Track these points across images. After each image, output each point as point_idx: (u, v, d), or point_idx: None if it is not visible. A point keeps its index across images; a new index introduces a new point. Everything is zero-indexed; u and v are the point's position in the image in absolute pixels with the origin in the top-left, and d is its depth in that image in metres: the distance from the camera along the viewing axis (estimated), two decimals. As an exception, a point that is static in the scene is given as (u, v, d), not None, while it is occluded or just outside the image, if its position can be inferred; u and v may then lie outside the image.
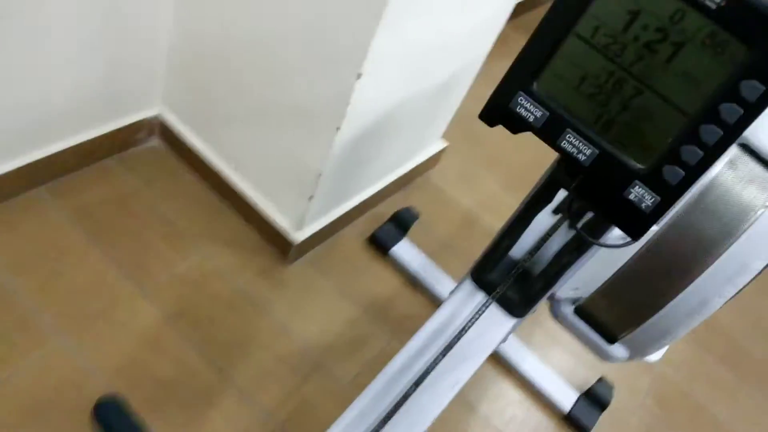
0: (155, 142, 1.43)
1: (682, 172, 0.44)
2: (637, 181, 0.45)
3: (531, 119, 0.47)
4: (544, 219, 0.90)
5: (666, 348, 0.85)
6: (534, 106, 0.47)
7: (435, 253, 1.47)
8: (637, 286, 0.78)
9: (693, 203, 0.73)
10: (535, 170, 1.84)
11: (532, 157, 1.88)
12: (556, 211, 0.93)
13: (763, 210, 0.70)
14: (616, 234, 0.75)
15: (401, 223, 1.46)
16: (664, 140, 0.44)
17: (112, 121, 1.33)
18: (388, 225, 1.46)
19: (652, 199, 0.45)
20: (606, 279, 0.79)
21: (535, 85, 0.47)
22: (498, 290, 0.82)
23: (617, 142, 0.46)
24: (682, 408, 1.48)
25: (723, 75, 0.41)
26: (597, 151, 0.46)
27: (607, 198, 0.47)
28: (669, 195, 0.45)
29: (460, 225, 1.61)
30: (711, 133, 0.42)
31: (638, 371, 1.51)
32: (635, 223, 0.47)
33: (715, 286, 0.73)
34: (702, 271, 0.73)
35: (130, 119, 1.36)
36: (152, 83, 1.36)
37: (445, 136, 1.64)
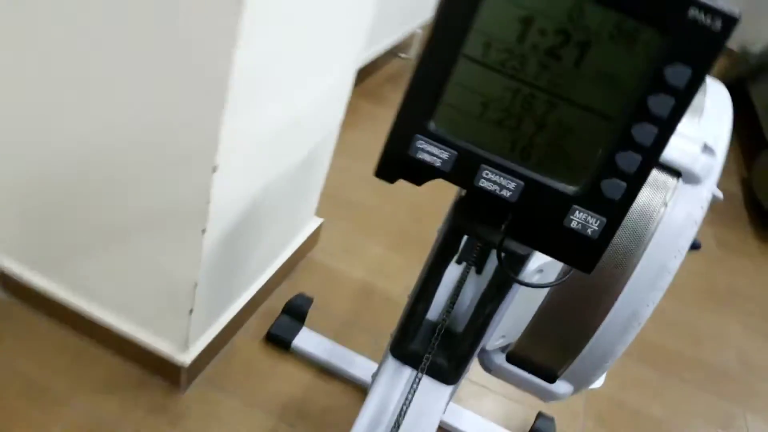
0: (-6, 295, 1.23)
1: (624, 183, 0.38)
2: (575, 206, 0.40)
3: (437, 164, 0.41)
4: (448, 271, 0.85)
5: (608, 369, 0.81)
6: (437, 147, 0.40)
7: (339, 334, 1.37)
8: (563, 318, 0.73)
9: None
10: (414, 223, 1.83)
11: (407, 211, 1.87)
12: (458, 261, 0.88)
13: (663, 208, 0.68)
14: (530, 269, 0.71)
15: (296, 313, 1.35)
16: (594, 153, 0.39)
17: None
18: (283, 318, 1.35)
19: (598, 222, 0.40)
20: (530, 319, 0.74)
21: (432, 124, 0.40)
22: (424, 361, 0.74)
23: (542, 167, 0.40)
24: (622, 418, 1.46)
25: (642, 66, 0.36)
26: (522, 183, 0.40)
27: (545, 232, 0.41)
28: (615, 212, 0.39)
29: (357, 298, 1.52)
30: (645, 132, 0.37)
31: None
32: (585, 254, 0.41)
33: (641, 295, 0.70)
34: (624, 285, 0.70)
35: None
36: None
37: (319, 212, 1.57)
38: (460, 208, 0.64)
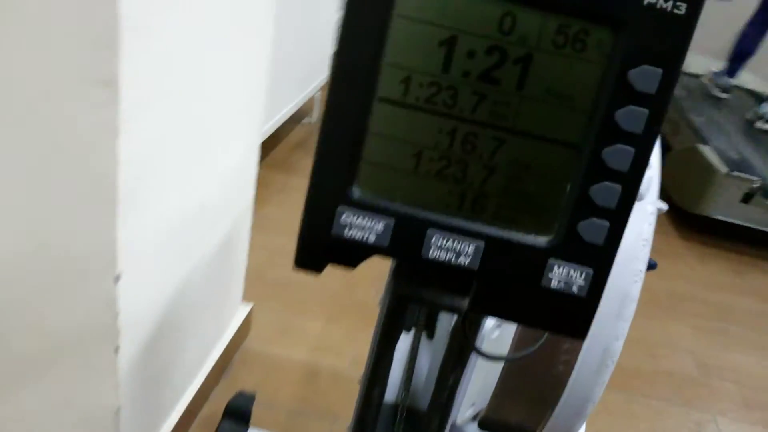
0: None
1: (605, 222, 0.31)
2: (552, 260, 0.32)
3: (371, 239, 0.32)
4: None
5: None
6: (367, 219, 0.32)
7: (291, 427, 1.25)
8: (532, 371, 0.66)
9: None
10: (348, 290, 1.74)
11: (339, 278, 1.78)
12: (406, 328, 0.80)
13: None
14: (488, 326, 0.64)
15: (239, 414, 1.22)
16: (562, 192, 0.31)
17: None
18: (226, 422, 1.21)
19: (583, 274, 0.32)
20: (497, 378, 0.67)
21: (355, 191, 0.32)
22: (392, 452, 0.65)
23: (502, 219, 0.32)
24: (599, 453, 1.40)
25: (600, 76, 0.30)
26: (482, 243, 0.32)
27: (521, 298, 0.33)
28: (601, 259, 0.32)
29: (304, 382, 1.41)
30: (619, 155, 0.30)
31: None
32: (574, 317, 0.33)
33: (608, 330, 0.64)
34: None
35: None
36: None
37: (246, 297, 1.46)
38: (403, 274, 0.57)
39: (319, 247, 0.33)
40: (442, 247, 0.32)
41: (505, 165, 0.31)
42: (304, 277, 1.72)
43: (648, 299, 2.06)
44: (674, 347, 1.81)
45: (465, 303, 0.56)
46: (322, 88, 2.69)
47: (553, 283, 0.32)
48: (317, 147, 0.33)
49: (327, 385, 1.39)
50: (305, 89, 2.48)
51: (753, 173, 2.36)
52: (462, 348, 0.60)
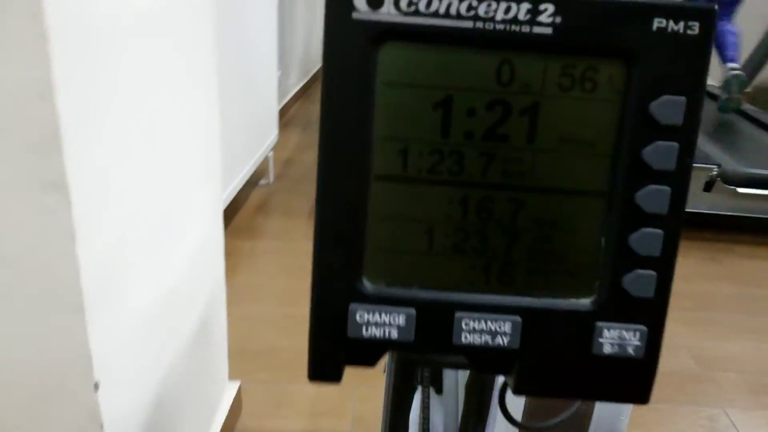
0: None
1: (653, 272, 0.28)
2: (600, 323, 0.29)
3: (393, 335, 0.28)
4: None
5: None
6: (385, 313, 0.28)
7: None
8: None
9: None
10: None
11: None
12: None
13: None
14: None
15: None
16: (597, 246, 0.28)
17: None
18: None
19: (637, 333, 0.29)
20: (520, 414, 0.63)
21: (366, 284, 0.29)
22: None
23: (537, 287, 0.29)
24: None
25: (616, 114, 0.27)
26: (518, 318, 0.28)
27: (571, 372, 0.29)
28: (655, 313, 0.29)
29: (307, 453, 1.35)
30: (654, 196, 0.28)
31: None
32: (633, 381, 0.30)
33: (611, 413, 0.61)
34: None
35: None
36: None
37: (232, 374, 1.40)
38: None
39: (335, 354, 0.29)
40: (474, 331, 0.28)
41: (529, 227, 0.28)
42: (288, 342, 1.67)
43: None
44: (668, 345, 1.78)
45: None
46: (274, 148, 2.67)
47: (606, 349, 0.29)
48: (315, 239, 0.29)
49: (332, 452, 1.34)
50: (257, 151, 2.45)
51: (709, 161, 2.41)
52: (480, 404, 0.57)
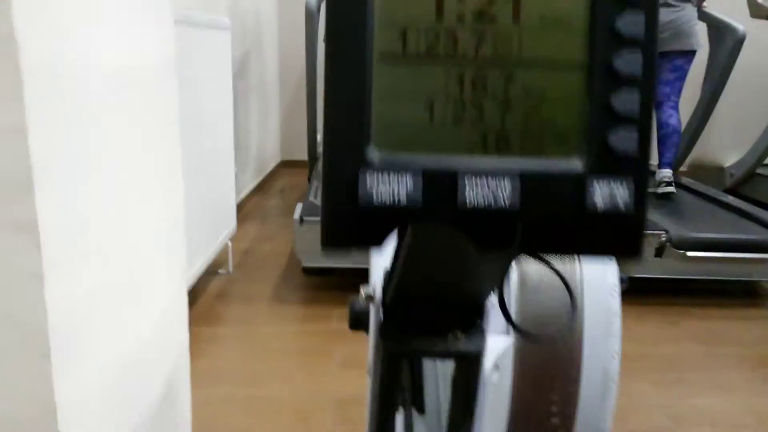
0: None
1: (635, 128, 0.31)
2: (590, 179, 0.31)
3: (402, 199, 0.30)
4: None
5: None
6: (394, 178, 0.30)
7: None
8: (541, 402, 0.63)
9: (522, 302, 0.64)
10: (301, 421, 1.63)
11: (289, 414, 1.66)
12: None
13: (576, 263, 0.64)
14: (488, 368, 0.60)
15: None
16: (583, 110, 0.31)
17: None
18: None
19: (625, 187, 0.31)
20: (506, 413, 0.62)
21: (374, 152, 0.30)
22: None
23: (530, 150, 0.31)
24: None
25: None
26: (517, 179, 0.30)
27: (568, 228, 0.31)
28: (639, 167, 0.31)
29: None
30: (629, 62, 0.30)
31: None
32: (625, 235, 0.32)
33: (603, 349, 0.62)
34: (580, 346, 0.62)
35: None
36: None
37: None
38: (392, 330, 0.53)
39: (346, 223, 0.30)
40: (477, 192, 0.30)
41: (520, 97, 0.31)
42: (255, 422, 1.60)
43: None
44: (641, 406, 1.79)
45: (458, 344, 0.53)
46: (232, 239, 2.66)
47: (598, 203, 0.31)
48: (325, 114, 0.30)
49: None
50: (216, 240, 2.45)
51: (658, 228, 2.51)
52: (467, 396, 0.56)
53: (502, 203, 0.30)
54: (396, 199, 0.29)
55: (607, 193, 0.31)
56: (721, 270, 2.53)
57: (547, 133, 0.31)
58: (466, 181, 0.30)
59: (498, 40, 0.31)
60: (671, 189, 3.15)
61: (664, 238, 2.46)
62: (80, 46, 0.80)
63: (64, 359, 0.73)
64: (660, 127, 3.22)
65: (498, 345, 0.59)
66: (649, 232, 2.46)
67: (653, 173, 3.21)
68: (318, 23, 3.22)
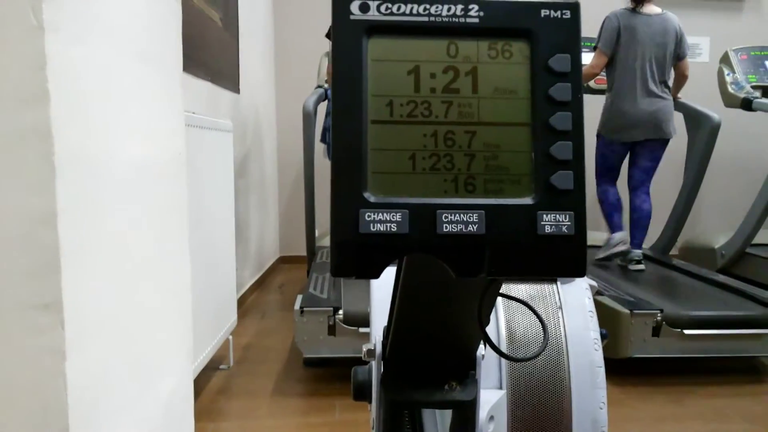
0: None
1: (570, 170, 0.39)
2: (540, 212, 0.39)
3: (394, 228, 0.38)
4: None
5: None
6: (386, 214, 0.38)
7: None
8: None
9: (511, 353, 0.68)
10: None
11: None
12: None
13: (559, 311, 0.69)
14: (483, 418, 0.64)
15: None
16: (528, 158, 0.39)
17: None
18: None
19: (567, 216, 0.39)
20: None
21: (369, 195, 0.38)
22: None
23: (492, 192, 0.39)
24: None
25: (529, 70, 0.40)
26: (482, 212, 0.38)
27: (524, 252, 0.39)
28: (577, 200, 0.39)
29: None
30: (562, 119, 0.39)
31: None
32: (570, 256, 0.39)
33: (590, 400, 0.66)
34: (569, 400, 0.66)
35: None
36: None
37: None
38: (392, 378, 0.58)
39: (351, 251, 0.37)
40: (452, 222, 0.38)
41: (482, 150, 0.40)
42: None
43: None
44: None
45: (453, 394, 0.58)
46: (232, 333, 2.69)
47: (547, 230, 0.38)
48: (332, 165, 0.38)
49: None
50: (218, 334, 2.47)
51: (653, 308, 2.55)
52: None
53: (471, 229, 0.38)
54: (389, 228, 0.37)
55: (553, 221, 0.39)
56: (720, 347, 2.55)
57: (504, 176, 0.39)
58: (443, 215, 0.38)
59: (462, 107, 0.40)
60: (641, 267, 3.35)
61: (659, 318, 2.49)
62: (103, 139, 0.88)
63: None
64: (633, 210, 3.42)
65: (492, 397, 0.63)
66: (644, 311, 2.50)
67: (628, 252, 3.39)
68: (314, 123, 3.39)
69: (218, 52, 3.16)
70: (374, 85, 0.39)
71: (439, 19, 0.40)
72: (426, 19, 0.40)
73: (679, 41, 3.32)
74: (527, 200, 0.39)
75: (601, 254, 3.46)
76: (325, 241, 3.91)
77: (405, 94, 0.39)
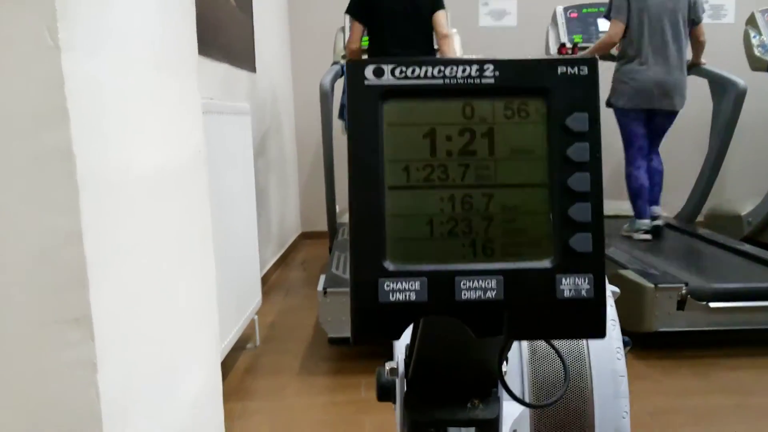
0: None
1: (588, 233, 0.38)
2: (558, 276, 0.38)
3: (413, 297, 0.38)
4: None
5: None
6: (405, 282, 0.38)
7: None
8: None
9: (533, 370, 0.69)
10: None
11: None
12: None
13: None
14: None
15: None
16: (548, 221, 0.39)
17: None
18: None
19: (586, 279, 0.38)
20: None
21: (389, 264, 0.38)
22: None
23: (510, 255, 0.39)
24: None
25: (546, 129, 0.39)
26: (501, 277, 0.38)
27: (543, 316, 0.39)
28: (596, 263, 0.38)
29: None
30: (580, 181, 0.39)
31: None
32: (590, 318, 0.39)
33: (612, 410, 0.67)
34: (592, 410, 0.67)
35: None
36: None
37: None
38: (416, 400, 0.59)
39: (370, 319, 0.38)
40: (470, 289, 0.37)
41: (499, 213, 0.39)
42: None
43: (634, 424, 2.06)
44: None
45: (476, 413, 0.58)
46: (258, 313, 2.73)
47: (566, 294, 0.38)
48: (350, 235, 0.38)
49: None
50: (243, 315, 2.51)
51: (677, 281, 2.53)
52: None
53: (490, 296, 0.38)
54: (408, 297, 0.37)
55: (573, 285, 0.38)
56: (746, 320, 2.53)
57: (522, 239, 0.39)
58: (461, 281, 0.38)
59: (479, 169, 0.39)
60: (647, 236, 3.36)
61: (684, 291, 2.47)
62: (123, 152, 0.89)
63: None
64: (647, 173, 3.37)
65: (515, 411, 0.64)
66: (669, 285, 2.48)
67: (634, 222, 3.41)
68: (332, 100, 3.37)
69: (234, 33, 3.15)
70: (390, 149, 0.39)
71: (454, 81, 0.39)
72: (441, 81, 0.39)
73: (693, 5, 3.22)
74: (546, 263, 0.39)
75: (624, 233, 3.44)
76: (345, 218, 3.92)
77: (421, 158, 0.39)
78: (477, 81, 0.39)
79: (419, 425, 0.59)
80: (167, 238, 1.03)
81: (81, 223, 0.76)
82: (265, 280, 3.50)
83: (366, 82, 0.39)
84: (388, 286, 0.38)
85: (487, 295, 0.38)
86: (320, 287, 2.45)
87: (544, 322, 0.39)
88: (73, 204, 0.75)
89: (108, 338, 0.80)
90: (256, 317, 2.71)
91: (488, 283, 0.38)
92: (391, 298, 0.37)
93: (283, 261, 4.25)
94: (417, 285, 0.38)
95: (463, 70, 0.39)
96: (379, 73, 0.39)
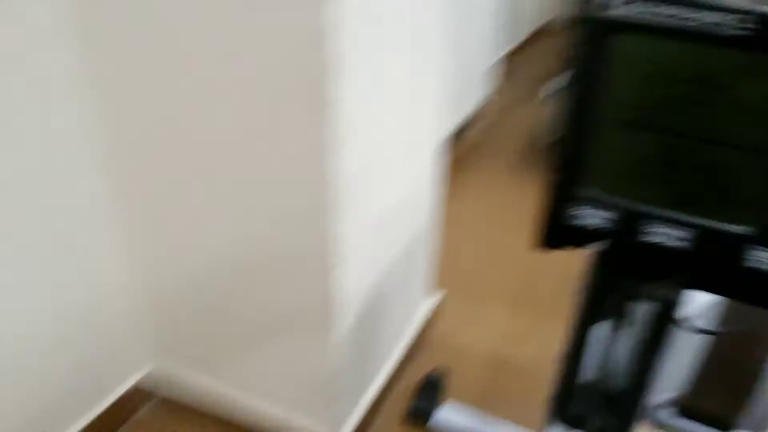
0: (152, 401, 1.32)
1: None
2: (754, 245, 0.38)
3: (599, 226, 0.41)
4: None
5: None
6: (595, 211, 0.41)
7: (478, 406, 1.36)
8: (732, 363, 0.71)
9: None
10: (528, 285, 1.80)
11: (519, 275, 1.84)
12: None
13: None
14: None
15: (432, 388, 1.35)
16: (760, 191, 0.37)
17: (102, 398, 1.22)
18: (420, 394, 1.35)
19: None
20: (694, 368, 0.72)
21: (587, 190, 0.41)
22: (595, 422, 0.73)
23: (711, 213, 0.39)
24: None
25: None
26: (694, 231, 0.39)
27: (725, 276, 0.39)
28: None
29: (490, 369, 1.51)
30: None
31: None
32: (766, 290, 0.39)
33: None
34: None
35: (123, 388, 1.26)
36: (131, 343, 1.27)
37: (435, 288, 1.59)
38: (608, 264, 0.64)
39: (556, 233, 0.42)
40: (659, 233, 0.39)
41: (716, 170, 0.38)
42: (488, 270, 1.82)
43: None
44: None
45: (667, 289, 0.61)
46: (496, 93, 2.76)
47: (754, 264, 0.38)
48: (558, 156, 0.41)
49: (512, 375, 1.48)
50: (477, 96, 2.58)
51: None
52: (660, 333, 0.66)
53: (679, 244, 0.39)
54: (593, 225, 0.40)
55: (763, 258, 0.37)
56: None
57: (729, 202, 0.38)
58: (652, 225, 0.39)
59: (708, 121, 0.37)
60: None
61: None
62: None
63: (347, 206, 0.94)
64: None
65: (704, 299, 0.67)
66: None
67: None
68: None
69: None
70: (615, 84, 0.37)
71: (701, 26, 0.35)
72: (685, 23, 0.35)
73: None
74: (742, 230, 0.38)
75: None
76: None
77: (643, 98, 0.37)
78: (729, 31, 0.35)
79: (600, 288, 0.64)
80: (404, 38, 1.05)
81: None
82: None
83: (599, 12, 0.36)
84: (579, 210, 0.40)
85: (675, 243, 0.39)
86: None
87: (729, 283, 0.39)
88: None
89: (352, 119, 0.89)
90: (493, 98, 2.76)
91: (680, 233, 0.38)
92: (578, 222, 0.40)
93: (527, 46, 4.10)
94: (605, 217, 0.39)
95: (719, 16, 0.35)
96: (615, 3, 0.36)
